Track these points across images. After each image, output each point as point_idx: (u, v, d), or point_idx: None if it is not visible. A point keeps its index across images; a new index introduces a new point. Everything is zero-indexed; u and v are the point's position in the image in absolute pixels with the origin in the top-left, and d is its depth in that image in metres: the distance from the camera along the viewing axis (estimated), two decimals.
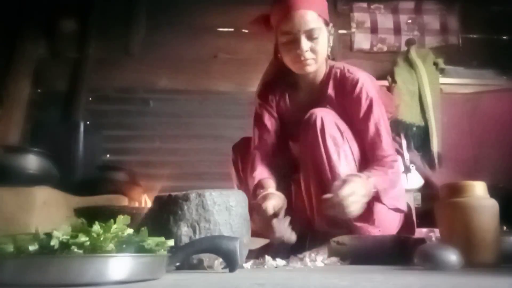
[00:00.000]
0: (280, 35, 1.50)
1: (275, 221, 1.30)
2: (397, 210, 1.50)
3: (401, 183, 1.52)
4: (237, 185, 1.73)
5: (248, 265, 1.12)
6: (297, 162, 1.51)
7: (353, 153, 1.46)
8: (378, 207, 1.45)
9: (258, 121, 1.69)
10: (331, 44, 1.57)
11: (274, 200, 1.33)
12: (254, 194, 1.46)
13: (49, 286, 0.65)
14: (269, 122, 1.67)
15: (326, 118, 1.42)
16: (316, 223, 1.45)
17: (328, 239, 1.32)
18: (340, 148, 1.42)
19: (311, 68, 1.52)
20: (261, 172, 1.53)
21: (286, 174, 1.58)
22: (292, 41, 1.48)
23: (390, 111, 1.66)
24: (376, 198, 1.41)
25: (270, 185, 1.47)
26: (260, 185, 1.47)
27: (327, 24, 1.53)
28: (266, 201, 1.32)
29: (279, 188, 1.61)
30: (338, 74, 1.56)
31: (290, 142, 1.67)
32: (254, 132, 1.69)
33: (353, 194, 1.26)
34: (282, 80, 1.67)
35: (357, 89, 1.50)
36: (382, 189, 1.39)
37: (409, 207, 1.64)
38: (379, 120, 1.49)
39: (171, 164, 2.84)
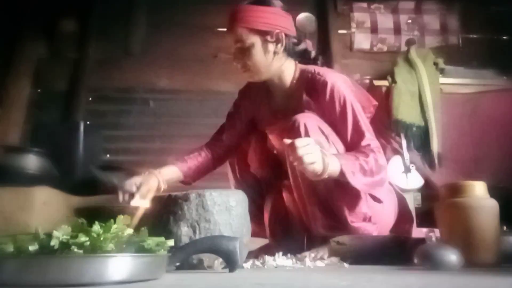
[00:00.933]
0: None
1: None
2: (374, 198, 1.46)
3: (382, 177, 1.44)
4: (234, 186, 1.72)
5: (248, 265, 1.12)
6: (285, 168, 1.50)
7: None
8: (371, 203, 1.46)
9: (226, 122, 1.78)
10: (279, 50, 1.54)
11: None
12: None
13: (49, 286, 0.65)
14: (231, 127, 1.75)
15: (309, 123, 1.41)
16: (313, 227, 1.45)
17: (327, 239, 1.32)
18: (326, 152, 1.39)
19: (254, 77, 1.57)
20: (182, 164, 1.66)
21: (276, 180, 1.59)
22: (233, 54, 1.55)
23: (368, 111, 1.64)
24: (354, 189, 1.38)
25: (166, 171, 1.60)
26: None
27: (267, 34, 1.51)
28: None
29: (269, 193, 1.64)
30: (310, 78, 1.56)
31: (275, 150, 1.67)
32: (219, 127, 1.78)
33: (307, 145, 1.24)
34: (256, 87, 1.71)
35: (328, 91, 1.49)
36: (349, 171, 1.34)
37: (403, 198, 1.63)
38: (356, 119, 1.47)
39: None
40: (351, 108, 1.47)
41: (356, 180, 1.35)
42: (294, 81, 1.59)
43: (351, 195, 1.41)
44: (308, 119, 1.42)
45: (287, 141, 1.24)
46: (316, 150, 1.25)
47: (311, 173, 1.26)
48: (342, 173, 1.33)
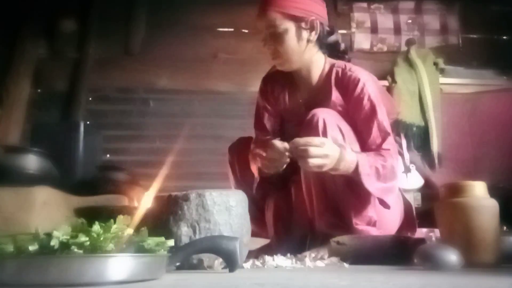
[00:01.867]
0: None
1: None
2: (382, 203, 1.45)
3: (394, 184, 1.46)
4: (234, 187, 1.71)
5: (248, 265, 1.12)
6: (296, 162, 1.50)
7: None
8: (378, 208, 1.45)
9: (258, 121, 1.69)
10: (313, 38, 1.51)
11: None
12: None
13: (49, 286, 0.64)
14: (269, 122, 1.67)
15: (328, 119, 1.39)
16: (317, 224, 1.44)
17: (328, 239, 1.32)
18: (346, 146, 1.39)
19: (285, 65, 1.53)
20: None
21: (286, 175, 1.57)
22: (263, 40, 1.51)
23: (392, 116, 1.64)
24: (360, 185, 1.37)
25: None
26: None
27: (301, 20, 1.48)
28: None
29: (271, 192, 1.62)
30: (340, 74, 1.53)
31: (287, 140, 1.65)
32: (255, 131, 1.69)
33: (317, 146, 1.27)
34: (281, 76, 1.66)
35: (358, 89, 1.47)
36: (365, 173, 1.35)
37: (409, 205, 1.63)
38: (381, 122, 1.46)
39: (171, 164, 2.83)
40: (379, 109, 1.46)
41: (370, 183, 1.36)
42: (323, 75, 1.56)
43: (360, 197, 1.41)
44: (327, 115, 1.41)
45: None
46: (324, 150, 1.27)
47: (315, 169, 1.29)
48: (356, 172, 1.34)
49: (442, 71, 2.93)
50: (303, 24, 1.49)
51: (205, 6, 3.11)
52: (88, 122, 2.82)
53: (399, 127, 2.66)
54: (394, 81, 2.81)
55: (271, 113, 1.68)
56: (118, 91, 3.00)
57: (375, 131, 1.45)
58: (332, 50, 1.61)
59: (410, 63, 2.88)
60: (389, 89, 2.80)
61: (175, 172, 2.77)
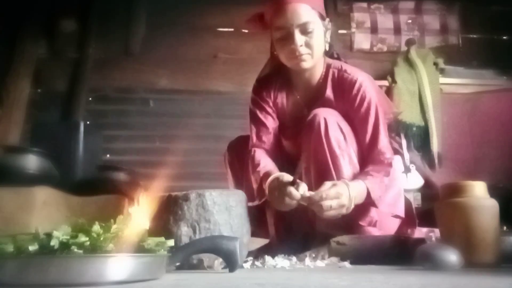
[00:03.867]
0: (274, 31, 1.46)
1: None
2: (396, 217, 1.50)
3: (398, 186, 1.49)
4: (233, 186, 1.69)
5: (248, 265, 1.12)
6: (293, 162, 1.48)
7: (356, 155, 1.45)
8: (380, 211, 1.45)
9: (254, 118, 1.63)
10: (328, 40, 1.51)
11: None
12: (261, 188, 1.42)
13: (49, 286, 0.65)
14: (265, 119, 1.61)
15: (330, 119, 1.39)
16: (317, 225, 1.44)
17: (328, 239, 1.32)
18: (344, 151, 1.40)
19: (307, 63, 1.46)
20: (265, 165, 1.47)
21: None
22: (286, 36, 1.43)
23: (388, 116, 1.64)
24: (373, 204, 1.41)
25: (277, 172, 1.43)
26: (267, 175, 1.40)
27: (323, 18, 1.48)
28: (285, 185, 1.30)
29: None
30: (336, 75, 1.52)
31: (285, 142, 1.63)
32: (251, 129, 1.62)
33: (334, 198, 1.26)
34: (278, 77, 1.63)
35: (355, 90, 1.47)
36: (377, 197, 1.38)
37: (409, 203, 1.63)
38: (378, 121, 1.46)
39: (171, 164, 2.83)
40: (375, 110, 1.46)
41: (383, 204, 1.40)
42: (322, 76, 1.55)
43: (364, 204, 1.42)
44: (328, 115, 1.40)
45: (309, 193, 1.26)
46: (338, 204, 1.27)
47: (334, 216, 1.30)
48: (369, 199, 1.37)
49: (442, 71, 2.93)
50: (325, 23, 1.49)
51: (205, 6, 3.11)
52: (88, 122, 2.82)
53: (399, 127, 2.66)
54: (394, 81, 2.81)
55: (269, 113, 1.62)
56: (118, 91, 3.00)
57: (370, 132, 1.46)
58: (328, 52, 1.59)
59: (410, 63, 2.87)
60: (389, 89, 2.80)
61: (175, 172, 2.77)
